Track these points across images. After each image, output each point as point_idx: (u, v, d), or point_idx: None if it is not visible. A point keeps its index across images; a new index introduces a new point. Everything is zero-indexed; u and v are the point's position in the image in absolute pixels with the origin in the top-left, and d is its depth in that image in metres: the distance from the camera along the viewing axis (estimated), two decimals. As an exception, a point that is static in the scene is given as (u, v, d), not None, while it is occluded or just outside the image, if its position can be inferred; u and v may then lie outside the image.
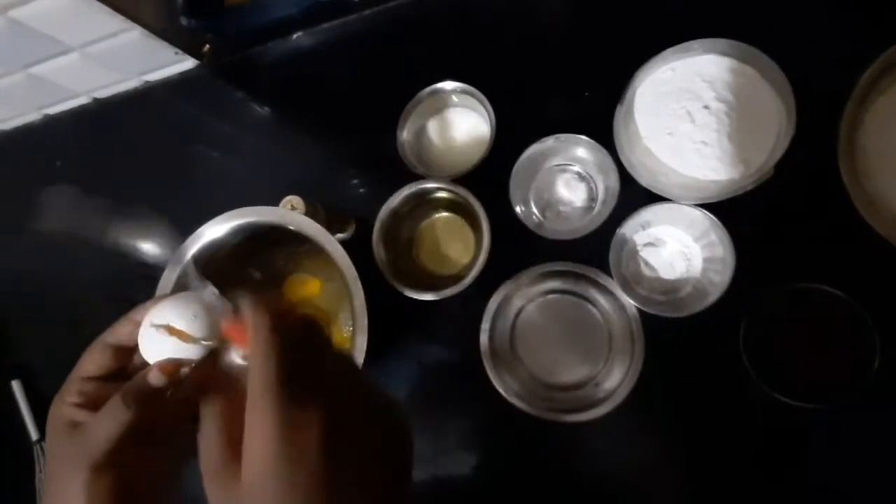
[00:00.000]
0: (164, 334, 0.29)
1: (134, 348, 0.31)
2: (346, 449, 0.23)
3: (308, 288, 0.53)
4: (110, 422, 0.28)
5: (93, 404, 0.29)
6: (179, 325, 0.29)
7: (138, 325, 0.31)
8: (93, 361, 0.31)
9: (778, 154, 0.42)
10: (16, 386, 0.61)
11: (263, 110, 0.61)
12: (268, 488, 0.22)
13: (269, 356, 0.24)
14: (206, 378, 0.29)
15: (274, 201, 0.47)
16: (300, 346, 0.25)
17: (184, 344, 0.29)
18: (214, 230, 0.46)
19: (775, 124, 0.44)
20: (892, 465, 0.43)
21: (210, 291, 0.31)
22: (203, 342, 0.29)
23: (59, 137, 0.65)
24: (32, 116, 0.65)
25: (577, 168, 0.51)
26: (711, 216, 0.44)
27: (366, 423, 0.25)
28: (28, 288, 0.65)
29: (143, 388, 0.29)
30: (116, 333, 0.31)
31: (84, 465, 0.27)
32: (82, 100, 0.64)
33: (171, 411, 0.29)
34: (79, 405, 0.30)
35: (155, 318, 0.29)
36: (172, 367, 0.29)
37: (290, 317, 0.26)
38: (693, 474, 0.47)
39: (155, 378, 0.29)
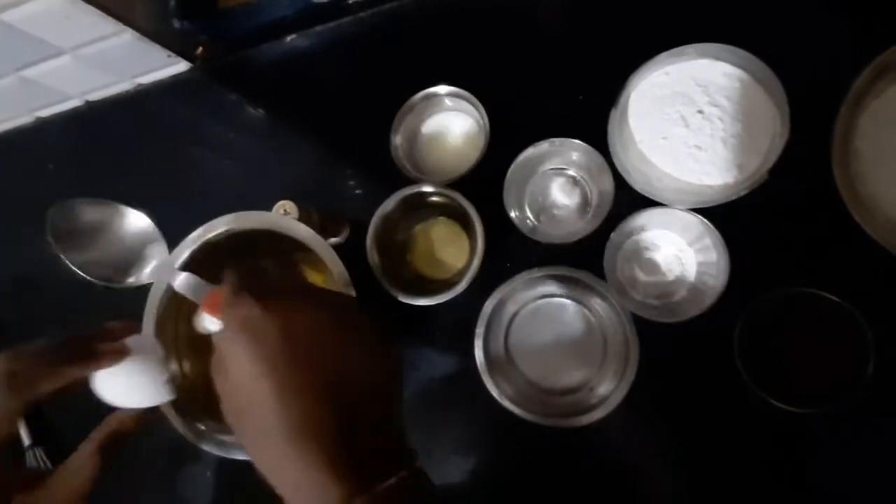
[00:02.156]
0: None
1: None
2: (299, 334, 0.27)
3: (312, 279, 0.53)
4: (84, 470, 0.30)
5: None
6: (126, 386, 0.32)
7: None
8: None
9: (772, 158, 0.42)
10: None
11: (257, 113, 0.60)
12: (245, 367, 0.26)
13: (232, 278, 0.29)
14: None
15: (267, 205, 0.47)
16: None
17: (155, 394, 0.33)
18: (205, 235, 0.46)
19: (769, 129, 0.43)
20: (889, 468, 0.43)
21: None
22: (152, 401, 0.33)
23: (50, 140, 0.65)
24: (24, 119, 0.65)
25: (571, 172, 0.50)
26: (706, 221, 0.44)
27: (315, 318, 0.28)
28: (22, 290, 0.64)
29: (120, 429, 0.32)
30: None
31: None
32: (74, 102, 0.63)
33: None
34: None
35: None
36: (140, 417, 0.33)
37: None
38: (688, 478, 0.47)
39: (128, 424, 0.32)
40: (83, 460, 0.30)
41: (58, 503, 0.29)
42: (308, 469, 0.25)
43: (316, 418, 0.25)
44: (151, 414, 0.33)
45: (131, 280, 0.33)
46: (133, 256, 0.34)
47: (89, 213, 0.33)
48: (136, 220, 0.34)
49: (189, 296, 0.32)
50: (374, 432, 0.27)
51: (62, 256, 0.32)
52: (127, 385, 0.32)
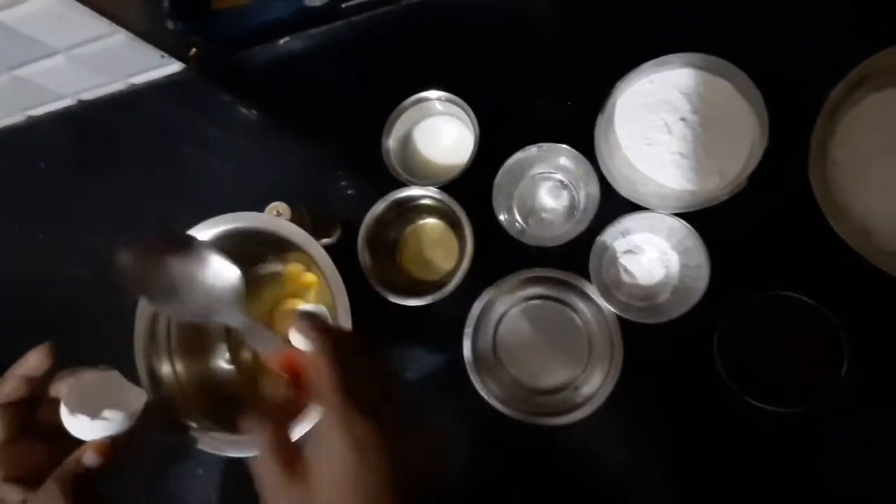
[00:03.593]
0: (88, 418, 0.31)
1: (20, 401, 0.33)
2: (404, 454, 0.26)
3: (307, 277, 0.53)
4: None
5: (15, 469, 0.30)
6: (102, 407, 0.31)
7: (26, 381, 0.33)
8: None
9: (752, 165, 0.43)
10: None
11: (250, 114, 0.61)
12: (342, 493, 0.25)
13: (325, 356, 0.27)
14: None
15: (259, 206, 0.48)
16: (350, 349, 0.28)
17: (110, 422, 0.32)
18: (199, 236, 0.46)
19: (749, 136, 0.45)
20: (863, 461, 0.45)
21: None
22: (125, 417, 0.32)
23: (43, 139, 0.65)
24: (16, 118, 0.65)
25: (559, 176, 0.52)
26: (688, 225, 0.45)
27: (412, 427, 0.28)
28: (12, 290, 0.64)
29: (78, 470, 0.30)
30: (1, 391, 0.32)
31: None
32: (67, 102, 0.63)
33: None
34: (3, 479, 0.30)
35: (77, 404, 0.31)
36: (106, 446, 0.31)
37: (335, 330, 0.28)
38: (670, 477, 0.48)
39: (90, 459, 0.31)
40: (44, 494, 0.29)
41: None
42: None
43: None
44: (120, 441, 0.32)
45: (216, 319, 0.32)
46: (211, 300, 0.33)
47: (174, 264, 0.33)
48: (217, 265, 0.33)
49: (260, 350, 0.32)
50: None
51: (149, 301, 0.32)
52: (77, 419, 0.31)
